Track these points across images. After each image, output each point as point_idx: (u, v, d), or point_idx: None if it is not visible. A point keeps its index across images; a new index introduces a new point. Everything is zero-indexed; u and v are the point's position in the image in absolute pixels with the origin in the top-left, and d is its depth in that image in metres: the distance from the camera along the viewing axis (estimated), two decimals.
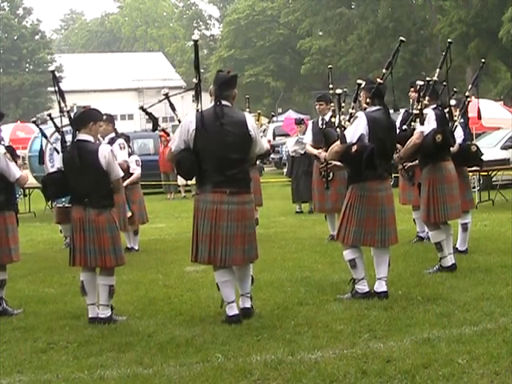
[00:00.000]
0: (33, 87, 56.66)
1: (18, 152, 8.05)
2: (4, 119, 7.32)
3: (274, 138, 26.94)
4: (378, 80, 6.76)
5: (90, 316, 6.27)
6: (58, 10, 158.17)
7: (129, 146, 10.22)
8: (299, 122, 14.71)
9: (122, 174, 6.55)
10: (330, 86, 8.85)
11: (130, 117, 61.21)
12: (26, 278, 8.44)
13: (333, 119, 9.19)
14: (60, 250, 10.90)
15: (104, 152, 6.22)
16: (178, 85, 55.50)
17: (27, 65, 59.34)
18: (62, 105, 6.49)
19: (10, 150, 6.97)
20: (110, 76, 64.66)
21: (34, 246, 11.39)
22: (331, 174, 9.59)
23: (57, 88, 6.46)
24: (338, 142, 6.64)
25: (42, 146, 8.03)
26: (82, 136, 6.28)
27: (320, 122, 10.22)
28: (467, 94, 8.88)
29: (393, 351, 5.01)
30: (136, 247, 10.44)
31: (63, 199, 10.15)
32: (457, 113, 8.55)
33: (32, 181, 14.02)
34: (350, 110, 7.04)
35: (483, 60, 9.71)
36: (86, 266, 6.26)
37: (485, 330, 5.43)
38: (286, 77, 53.54)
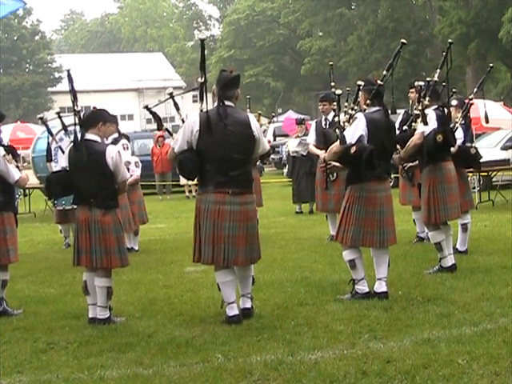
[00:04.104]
0: (33, 87, 56.65)
1: (18, 152, 8.03)
2: (4, 119, 7.30)
3: (274, 139, 26.93)
4: (379, 82, 6.76)
5: (89, 316, 6.26)
6: (57, 10, 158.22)
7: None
8: (300, 122, 14.72)
9: (128, 176, 6.52)
10: (332, 83, 8.82)
11: (130, 117, 61.21)
12: (26, 279, 8.44)
13: (336, 119, 9.19)
14: (60, 250, 10.93)
15: (112, 153, 6.16)
16: (178, 85, 55.50)
17: (27, 65, 59.33)
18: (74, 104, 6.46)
19: (11, 150, 6.93)
20: (110, 76, 64.63)
21: (34, 247, 11.40)
22: (334, 175, 9.57)
23: (70, 87, 6.46)
24: (337, 143, 6.65)
25: (48, 143, 8.02)
26: (89, 136, 6.23)
27: (323, 122, 10.25)
28: (471, 96, 8.86)
29: (393, 351, 5.00)
30: (136, 247, 10.44)
31: (63, 201, 10.18)
32: (459, 114, 8.55)
33: (33, 181, 14.01)
34: (350, 111, 7.02)
35: (491, 64, 9.67)
36: (91, 267, 6.22)
37: (485, 330, 5.42)
38: (286, 77, 53.60)
